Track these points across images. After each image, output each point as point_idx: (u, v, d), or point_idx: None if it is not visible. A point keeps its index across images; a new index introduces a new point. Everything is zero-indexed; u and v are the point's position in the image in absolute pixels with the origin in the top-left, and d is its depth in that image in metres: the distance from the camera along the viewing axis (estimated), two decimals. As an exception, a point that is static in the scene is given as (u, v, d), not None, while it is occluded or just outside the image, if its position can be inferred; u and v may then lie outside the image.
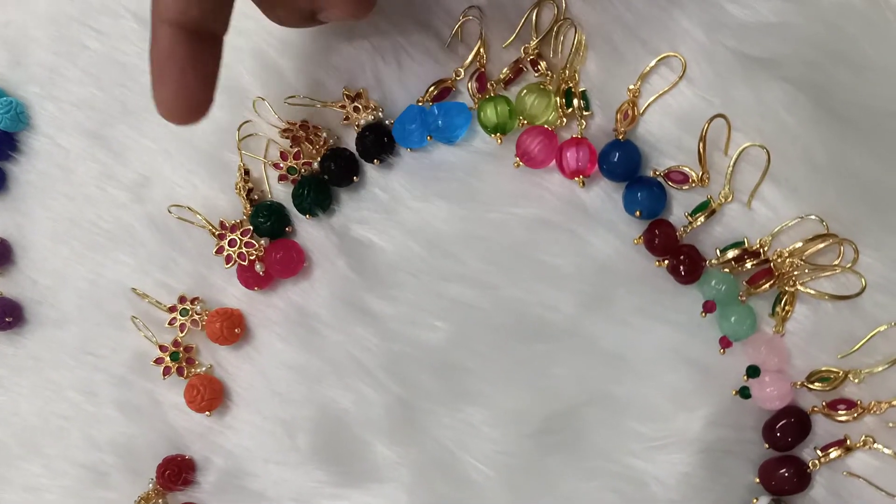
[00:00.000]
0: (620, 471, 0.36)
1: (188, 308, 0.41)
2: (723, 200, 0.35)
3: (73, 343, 0.42)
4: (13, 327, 0.43)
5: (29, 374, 0.43)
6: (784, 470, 0.34)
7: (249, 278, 0.40)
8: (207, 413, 0.41)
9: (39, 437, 0.43)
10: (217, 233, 0.40)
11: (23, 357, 0.43)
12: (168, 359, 0.41)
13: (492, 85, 0.38)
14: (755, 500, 0.35)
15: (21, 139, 0.44)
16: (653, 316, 0.36)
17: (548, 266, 0.37)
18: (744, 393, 0.35)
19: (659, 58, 0.36)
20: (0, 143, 0.43)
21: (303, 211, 0.40)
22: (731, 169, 0.35)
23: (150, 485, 0.41)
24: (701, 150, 0.35)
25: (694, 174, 0.36)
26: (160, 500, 0.41)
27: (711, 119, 0.35)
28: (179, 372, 0.41)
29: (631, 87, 0.36)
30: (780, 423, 0.34)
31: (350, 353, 0.39)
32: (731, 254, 0.35)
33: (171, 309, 0.41)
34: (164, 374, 0.41)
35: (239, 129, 0.40)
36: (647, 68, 0.36)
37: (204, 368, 0.41)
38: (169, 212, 0.41)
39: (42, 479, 0.42)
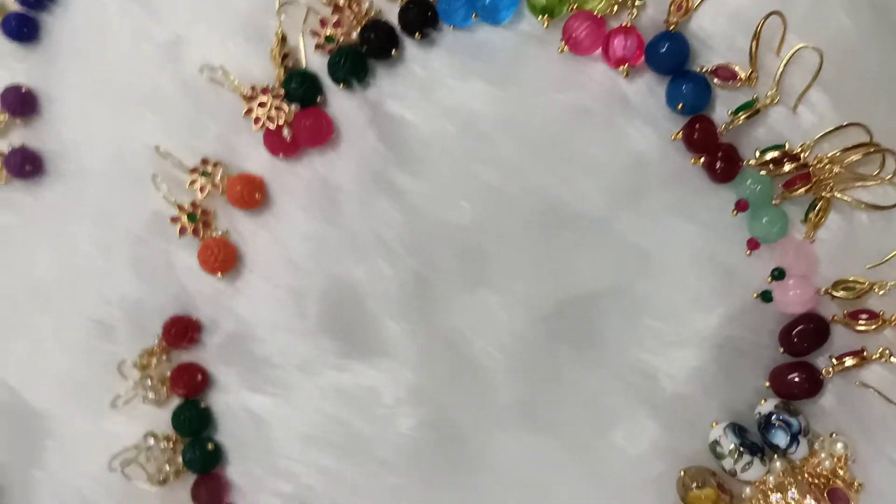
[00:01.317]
0: (630, 363, 0.36)
1: (210, 171, 0.41)
2: (768, 102, 0.35)
3: (92, 198, 0.42)
4: (32, 177, 0.43)
5: (45, 225, 0.43)
6: (796, 374, 0.34)
7: (276, 143, 0.40)
8: (219, 275, 0.40)
9: (50, 289, 0.42)
10: (247, 95, 0.40)
11: (40, 208, 0.43)
12: (185, 219, 0.41)
13: (543, -33, 0.37)
14: (763, 401, 0.34)
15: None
16: (682, 214, 0.36)
17: (582, 155, 0.37)
18: (765, 296, 0.35)
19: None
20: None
21: (337, 80, 0.39)
22: (781, 70, 0.34)
23: (156, 341, 0.41)
24: (753, 48, 0.34)
25: (742, 73, 0.35)
26: (164, 357, 0.41)
27: (767, 16, 0.34)
28: (195, 233, 0.41)
29: (686, -22, 0.35)
30: (799, 328, 0.34)
31: (371, 227, 0.39)
32: (770, 155, 0.34)
33: (193, 171, 0.41)
34: (181, 234, 0.41)
35: (280, -4, 0.39)
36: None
37: (220, 232, 0.41)
38: (200, 72, 0.40)
39: (49, 332, 0.42)
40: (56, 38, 0.43)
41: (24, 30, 0.42)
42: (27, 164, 0.42)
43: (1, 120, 0.42)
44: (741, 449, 0.33)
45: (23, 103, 0.42)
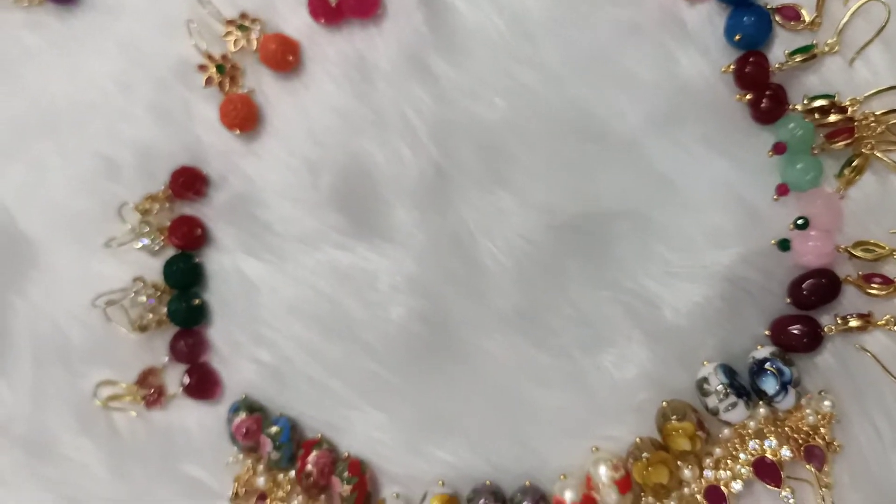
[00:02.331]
0: (635, 288, 0.35)
1: (247, 25, 0.40)
2: (826, 50, 0.34)
3: (122, 33, 0.41)
4: (67, 2, 0.41)
5: (68, 53, 0.42)
6: (798, 327, 0.33)
7: (319, 7, 0.39)
8: (237, 132, 0.40)
9: (63, 116, 0.42)
10: (299, -47, 0.39)
11: (67, 35, 0.42)
12: (213, 69, 0.40)
13: None
14: (759, 347, 0.34)
15: None
16: (717, 148, 0.35)
17: (626, 71, 0.36)
18: (783, 245, 0.34)
19: None
20: None
21: (394, -46, 0.38)
22: (845, 20, 0.33)
23: (162, 188, 0.40)
24: (822, -8, 0.33)
25: (807, 16, 0.34)
26: (166, 205, 0.41)
27: (842, -38, 0.33)
28: (220, 86, 0.40)
29: (770, -87, 0.34)
30: (810, 281, 0.33)
31: (400, 110, 0.38)
32: (818, 103, 0.34)
33: (230, 22, 0.40)
34: (206, 84, 0.40)
35: None
36: None
37: (245, 89, 0.40)
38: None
39: (54, 158, 0.42)
40: None
41: None
42: (71, -10, 0.41)
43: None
44: (728, 389, 0.33)
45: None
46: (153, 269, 0.41)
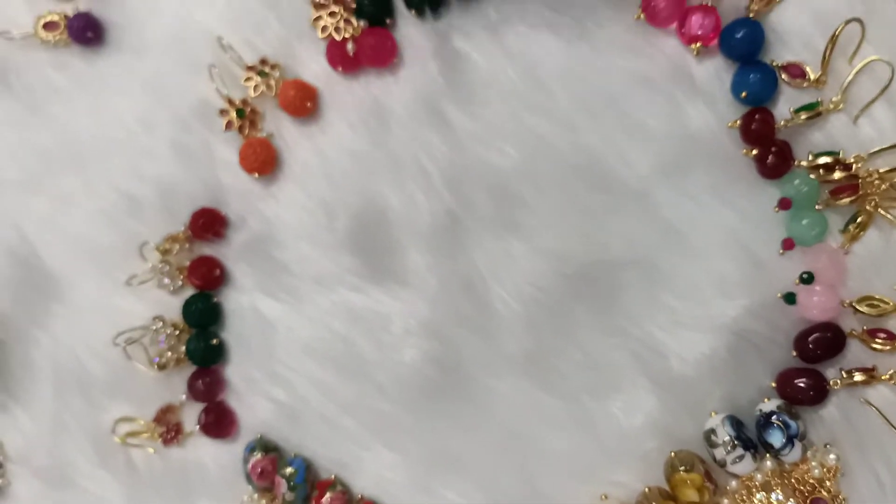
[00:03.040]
0: (642, 336, 0.36)
1: (267, 71, 0.41)
2: (831, 107, 0.35)
3: (146, 74, 0.42)
4: (92, 44, 0.43)
5: (94, 92, 0.43)
6: (803, 380, 0.34)
7: (338, 56, 0.40)
8: (256, 175, 0.41)
9: (86, 154, 0.43)
10: (318, 3, 0.40)
11: (92, 75, 0.43)
12: (234, 114, 0.41)
13: (634, -63, 0.37)
14: (766, 400, 0.35)
15: None
16: (724, 199, 0.36)
17: (636, 122, 0.37)
18: (789, 298, 0.35)
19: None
20: None
21: (411, 5, 0.39)
22: (849, 79, 0.34)
23: (182, 228, 0.41)
24: (827, 52, 0.34)
25: (812, 74, 0.35)
26: (186, 245, 0.42)
27: (847, 22, 0.34)
28: (240, 129, 0.41)
29: (777, -27, 0.35)
30: (815, 335, 0.34)
31: (414, 156, 0.39)
32: (822, 160, 0.34)
33: (251, 68, 0.41)
34: (226, 128, 0.41)
35: None
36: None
37: (265, 133, 0.41)
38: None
39: (77, 195, 0.43)
40: None
41: None
42: (89, 31, 0.42)
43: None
44: (736, 441, 0.34)
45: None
46: (172, 306, 0.42)
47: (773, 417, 0.34)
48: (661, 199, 0.36)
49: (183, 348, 0.41)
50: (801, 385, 0.34)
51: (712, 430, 0.34)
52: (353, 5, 0.40)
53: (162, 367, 0.41)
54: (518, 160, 0.38)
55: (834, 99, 0.35)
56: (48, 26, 0.42)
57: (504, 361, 0.37)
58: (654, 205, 0.36)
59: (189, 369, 0.41)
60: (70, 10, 0.43)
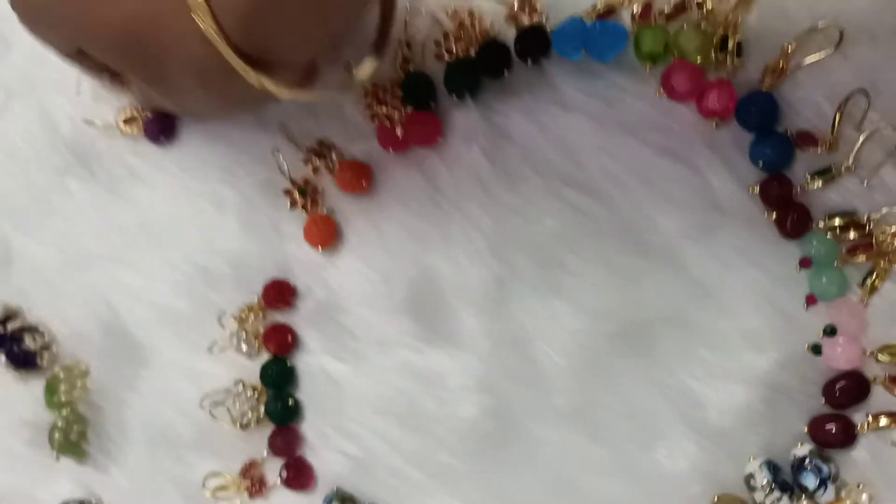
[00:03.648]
0: (680, 388, 0.39)
1: (325, 153, 0.45)
2: (843, 171, 0.37)
3: (216, 158, 0.46)
4: (164, 145, 0.47)
5: (171, 176, 0.47)
6: (833, 425, 0.37)
7: (388, 138, 0.44)
8: (319, 249, 0.45)
9: (165, 231, 0.47)
10: (368, 91, 0.44)
11: (166, 159, 0.47)
12: (297, 193, 0.45)
13: (654, 16, 0.41)
14: (800, 445, 0.37)
15: None
16: (748, 259, 0.39)
17: (663, 192, 0.40)
18: (815, 349, 0.38)
19: (816, 25, 0.38)
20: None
21: (451, 90, 0.43)
22: (859, 144, 0.37)
23: (256, 299, 0.46)
24: (836, 120, 0.37)
25: (824, 140, 0.38)
26: (260, 314, 0.46)
27: (853, 93, 0.37)
28: (304, 207, 0.45)
29: (786, 45, 0.38)
30: (841, 384, 0.37)
31: (461, 227, 0.43)
32: (838, 221, 0.37)
33: (309, 150, 0.45)
34: (291, 206, 0.45)
35: (408, 5, 0.43)
36: (803, 33, 0.38)
37: (325, 210, 0.45)
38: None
39: (159, 269, 0.47)
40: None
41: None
42: (162, 135, 0.47)
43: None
44: (773, 485, 0.36)
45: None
46: (250, 369, 0.46)
47: (807, 461, 0.36)
48: (691, 261, 0.39)
49: (262, 408, 0.45)
50: (832, 430, 0.37)
51: (751, 475, 0.37)
52: (400, 93, 0.44)
53: (244, 426, 0.45)
54: (557, 228, 0.41)
55: (846, 164, 0.37)
56: (128, 122, 0.47)
57: (553, 413, 0.41)
58: (684, 266, 0.39)
59: (269, 427, 0.45)
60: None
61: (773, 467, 0.37)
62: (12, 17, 0.46)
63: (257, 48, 0.33)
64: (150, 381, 0.47)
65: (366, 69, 0.39)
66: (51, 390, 0.47)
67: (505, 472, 0.41)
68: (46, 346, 0.48)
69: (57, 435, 0.46)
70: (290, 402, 0.44)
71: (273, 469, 0.45)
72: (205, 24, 0.31)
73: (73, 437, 0.46)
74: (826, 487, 0.36)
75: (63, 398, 0.46)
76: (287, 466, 0.44)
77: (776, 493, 0.36)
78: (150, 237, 0.47)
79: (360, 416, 0.43)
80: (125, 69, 0.38)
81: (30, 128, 0.48)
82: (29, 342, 0.47)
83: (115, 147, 0.48)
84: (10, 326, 0.48)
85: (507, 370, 0.42)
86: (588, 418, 0.40)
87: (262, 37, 0.33)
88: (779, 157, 0.38)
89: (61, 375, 0.47)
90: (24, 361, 0.48)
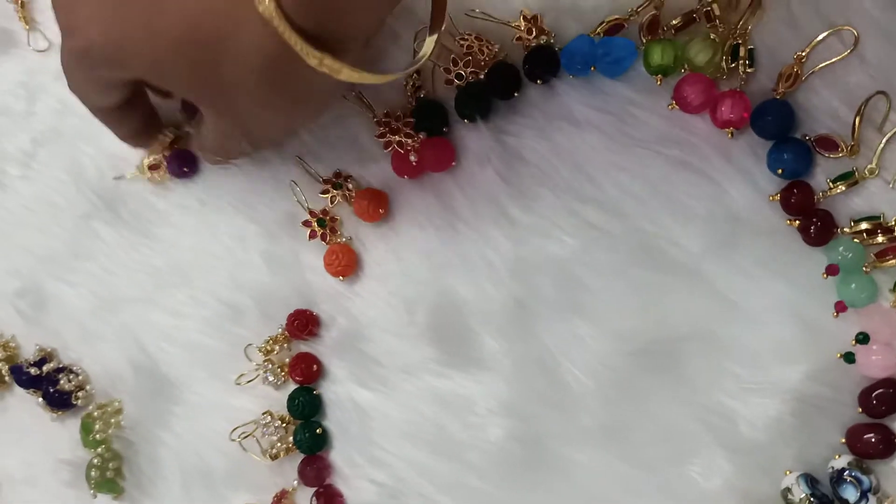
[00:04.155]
0: (711, 405, 0.38)
1: (341, 183, 0.45)
2: (867, 174, 0.37)
3: (236, 194, 0.47)
4: (188, 176, 0.48)
5: (193, 213, 0.48)
6: (872, 435, 0.36)
7: (402, 166, 0.44)
8: (340, 278, 0.45)
9: (191, 269, 0.48)
10: (381, 120, 0.44)
11: (191, 199, 0.48)
12: (315, 224, 0.46)
13: (662, 29, 0.40)
14: (837, 456, 0.36)
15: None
16: (773, 269, 0.38)
17: (681, 205, 0.39)
18: (848, 358, 0.37)
19: (833, 30, 0.37)
20: None
21: (462, 115, 0.43)
22: (881, 146, 0.36)
23: (280, 330, 0.46)
24: (856, 123, 0.36)
25: (844, 144, 0.37)
26: (286, 345, 0.46)
27: (872, 95, 0.36)
28: (323, 237, 0.46)
29: (799, 53, 0.38)
30: (878, 392, 0.36)
31: (480, 250, 0.42)
32: (864, 225, 0.36)
33: (326, 181, 0.46)
34: (310, 237, 0.46)
35: (416, 34, 0.43)
36: (819, 38, 0.37)
37: (344, 239, 0.46)
38: (344, 98, 0.45)
39: (187, 307, 0.48)
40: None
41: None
42: (185, 167, 0.48)
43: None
44: (811, 499, 0.35)
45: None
46: (278, 400, 0.46)
47: (846, 473, 0.35)
48: (714, 274, 0.39)
49: (291, 439, 0.45)
50: (871, 440, 0.36)
51: (788, 489, 0.36)
52: (412, 119, 0.44)
53: (274, 457, 0.46)
54: (576, 247, 0.41)
55: (868, 166, 0.37)
56: (152, 168, 0.48)
57: (582, 434, 0.40)
58: (707, 280, 0.39)
59: (298, 457, 0.46)
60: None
61: (810, 481, 0.36)
62: (38, 68, 0.48)
63: (317, 27, 0.32)
64: (182, 417, 0.47)
65: (427, 46, 0.39)
66: (87, 429, 0.48)
67: (537, 495, 0.41)
68: (81, 386, 0.49)
69: (93, 472, 0.47)
70: (318, 430, 0.45)
71: (304, 498, 0.45)
72: (263, 5, 0.31)
73: (108, 473, 0.47)
74: (867, 499, 0.35)
75: (98, 436, 0.47)
76: (317, 495, 0.44)
77: (816, 507, 0.35)
78: (177, 275, 0.48)
79: (388, 443, 0.44)
80: (192, 87, 0.37)
81: (57, 175, 0.50)
82: (64, 383, 0.48)
83: (139, 189, 0.49)
84: (46, 368, 0.49)
85: (532, 392, 0.41)
86: (618, 438, 0.40)
87: (321, 15, 0.32)
88: (798, 164, 0.37)
89: (96, 414, 0.48)
90: (61, 402, 0.49)
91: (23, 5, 0.51)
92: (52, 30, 0.51)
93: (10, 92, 0.51)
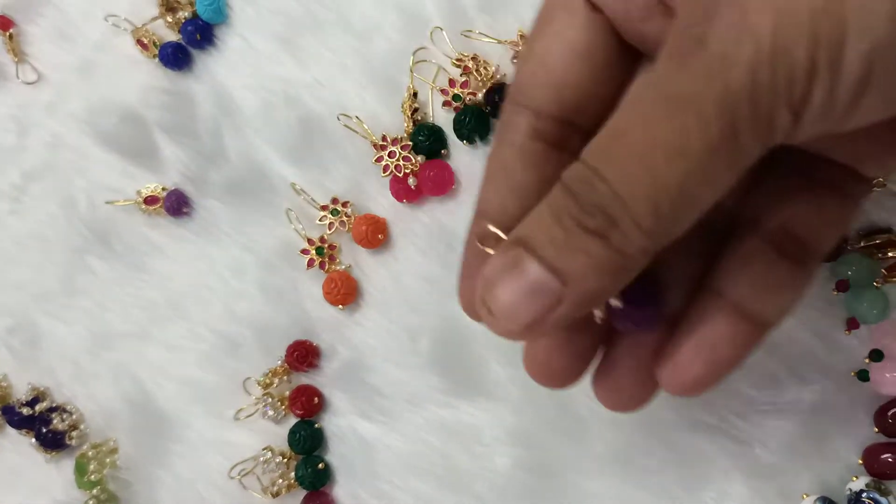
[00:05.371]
0: (725, 428, 0.37)
1: (339, 209, 0.45)
2: (875, 187, 0.36)
3: (231, 224, 0.46)
4: (186, 216, 0.47)
5: (189, 246, 0.47)
6: (889, 455, 0.35)
7: (401, 190, 0.43)
8: (340, 307, 0.44)
9: (187, 302, 0.47)
10: (379, 144, 0.44)
11: (185, 231, 0.48)
12: (314, 252, 0.45)
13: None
14: (854, 478, 0.35)
15: (217, 33, 0.48)
16: (783, 286, 0.37)
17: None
18: (862, 375, 0.36)
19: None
20: (201, 31, 0.47)
21: (461, 137, 0.42)
22: (890, 158, 0.36)
23: (279, 362, 0.45)
24: (863, 136, 0.36)
25: (852, 158, 0.36)
26: (286, 378, 0.45)
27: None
28: (321, 265, 0.45)
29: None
30: (894, 410, 0.35)
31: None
32: (874, 240, 0.36)
33: (324, 208, 0.45)
34: (308, 266, 0.45)
35: (414, 54, 0.43)
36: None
37: (344, 266, 0.45)
38: (337, 119, 0.44)
39: (183, 341, 0.47)
40: (202, 69, 0.47)
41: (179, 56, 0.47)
42: (183, 207, 0.47)
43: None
44: (830, 521, 0.35)
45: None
46: (278, 434, 0.45)
47: (864, 495, 0.34)
48: (723, 293, 0.38)
49: (293, 474, 0.44)
50: (889, 460, 0.35)
51: (806, 512, 0.35)
52: (410, 143, 0.43)
53: (276, 494, 0.44)
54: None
55: (877, 179, 0.36)
56: (149, 201, 0.47)
57: (593, 461, 0.39)
58: (716, 299, 0.38)
59: (300, 493, 0.44)
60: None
61: (828, 503, 0.35)
62: (29, 101, 0.47)
63: None
64: (179, 455, 0.46)
65: None
66: (81, 470, 0.46)
67: (547, 526, 0.39)
68: (75, 426, 0.48)
69: (89, 515, 0.46)
70: (321, 465, 0.44)
71: (309, 537, 0.44)
72: None
73: (105, 515, 0.46)
74: (887, 522, 0.34)
75: (93, 477, 0.46)
76: (322, 533, 0.43)
77: (835, 530, 0.34)
78: (173, 309, 0.47)
79: (393, 477, 0.42)
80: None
81: (49, 210, 0.49)
82: (57, 422, 0.47)
83: (133, 222, 0.49)
84: (39, 408, 0.48)
85: (540, 419, 0.40)
86: (631, 465, 0.39)
87: None
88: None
89: (90, 454, 0.46)
90: (54, 442, 0.47)
91: (11, 38, 0.51)
92: (41, 62, 0.50)
93: (1, 126, 0.50)
